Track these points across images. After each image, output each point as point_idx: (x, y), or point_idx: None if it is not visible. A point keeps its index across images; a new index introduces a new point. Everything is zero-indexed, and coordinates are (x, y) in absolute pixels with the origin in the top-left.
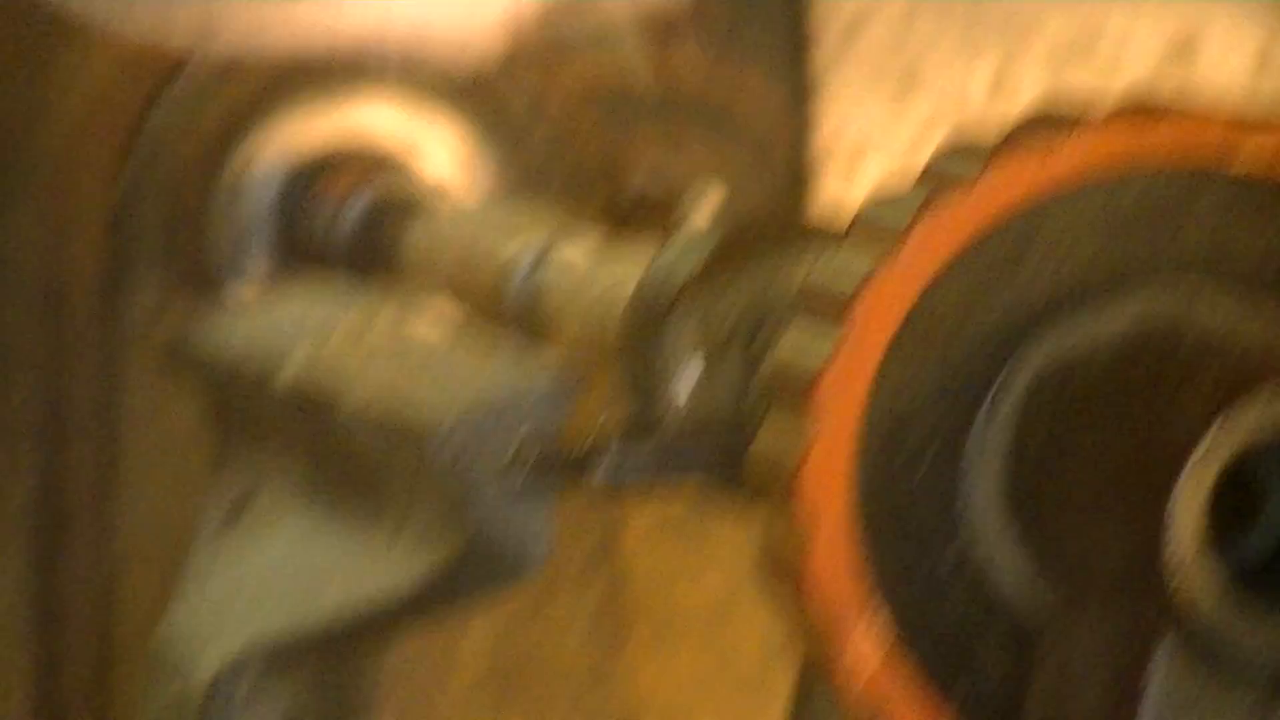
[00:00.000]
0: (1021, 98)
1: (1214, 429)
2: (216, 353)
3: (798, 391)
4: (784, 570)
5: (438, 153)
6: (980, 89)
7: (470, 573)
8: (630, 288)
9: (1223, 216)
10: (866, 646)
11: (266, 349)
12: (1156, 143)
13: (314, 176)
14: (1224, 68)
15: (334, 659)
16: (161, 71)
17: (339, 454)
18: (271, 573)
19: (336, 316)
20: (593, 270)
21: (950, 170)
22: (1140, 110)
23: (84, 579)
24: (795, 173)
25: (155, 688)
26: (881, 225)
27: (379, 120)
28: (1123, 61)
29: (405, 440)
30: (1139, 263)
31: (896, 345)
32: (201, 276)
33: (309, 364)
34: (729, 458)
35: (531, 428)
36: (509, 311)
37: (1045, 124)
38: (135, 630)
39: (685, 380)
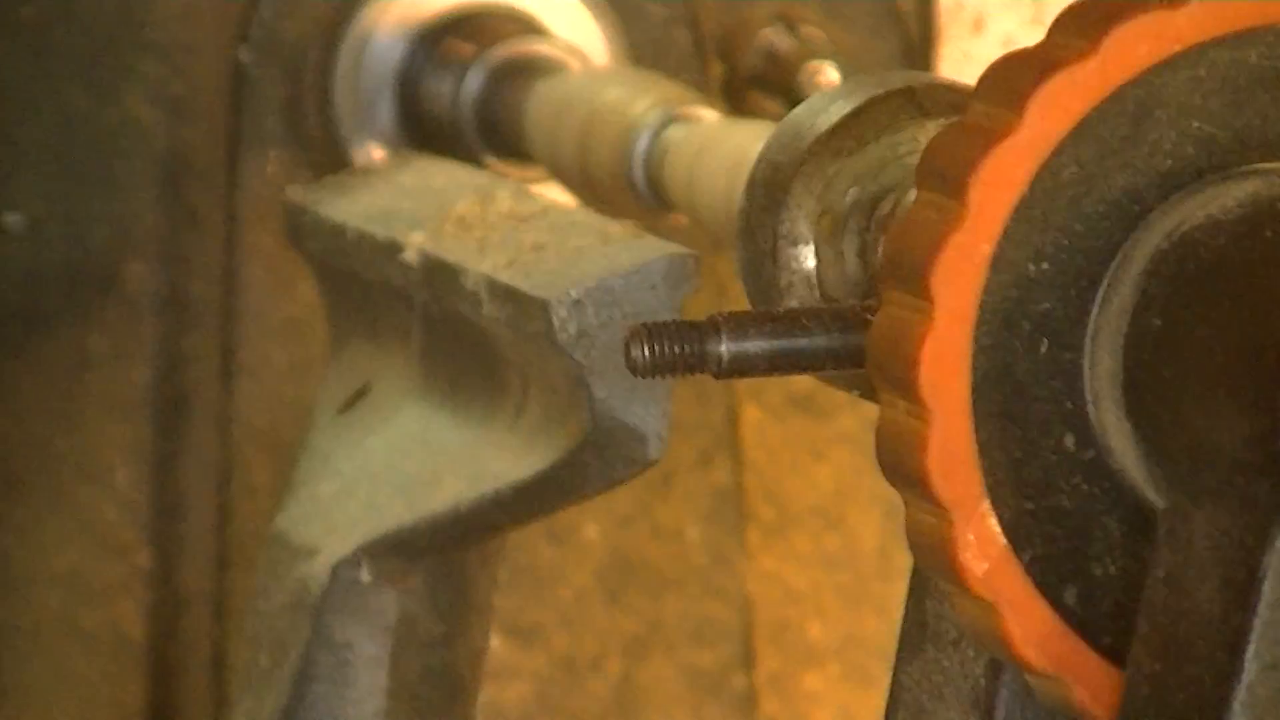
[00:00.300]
0: None
1: None
2: (339, 222)
3: (916, 270)
4: (900, 458)
5: (560, 20)
6: None
7: (589, 461)
8: (756, 150)
9: None
10: (982, 539)
11: (391, 218)
12: None
13: (438, 41)
14: None
15: (450, 552)
16: None
17: (458, 334)
18: (391, 460)
19: (460, 188)
20: (721, 131)
21: (1075, 31)
22: None
23: (202, 464)
24: (920, 36)
25: (275, 575)
26: (1005, 92)
27: None
28: None
29: (530, 311)
30: (1260, 135)
31: (1015, 223)
32: (324, 147)
33: (434, 234)
34: (848, 339)
35: (652, 307)
36: (633, 172)
37: None
38: (253, 516)
39: (804, 258)
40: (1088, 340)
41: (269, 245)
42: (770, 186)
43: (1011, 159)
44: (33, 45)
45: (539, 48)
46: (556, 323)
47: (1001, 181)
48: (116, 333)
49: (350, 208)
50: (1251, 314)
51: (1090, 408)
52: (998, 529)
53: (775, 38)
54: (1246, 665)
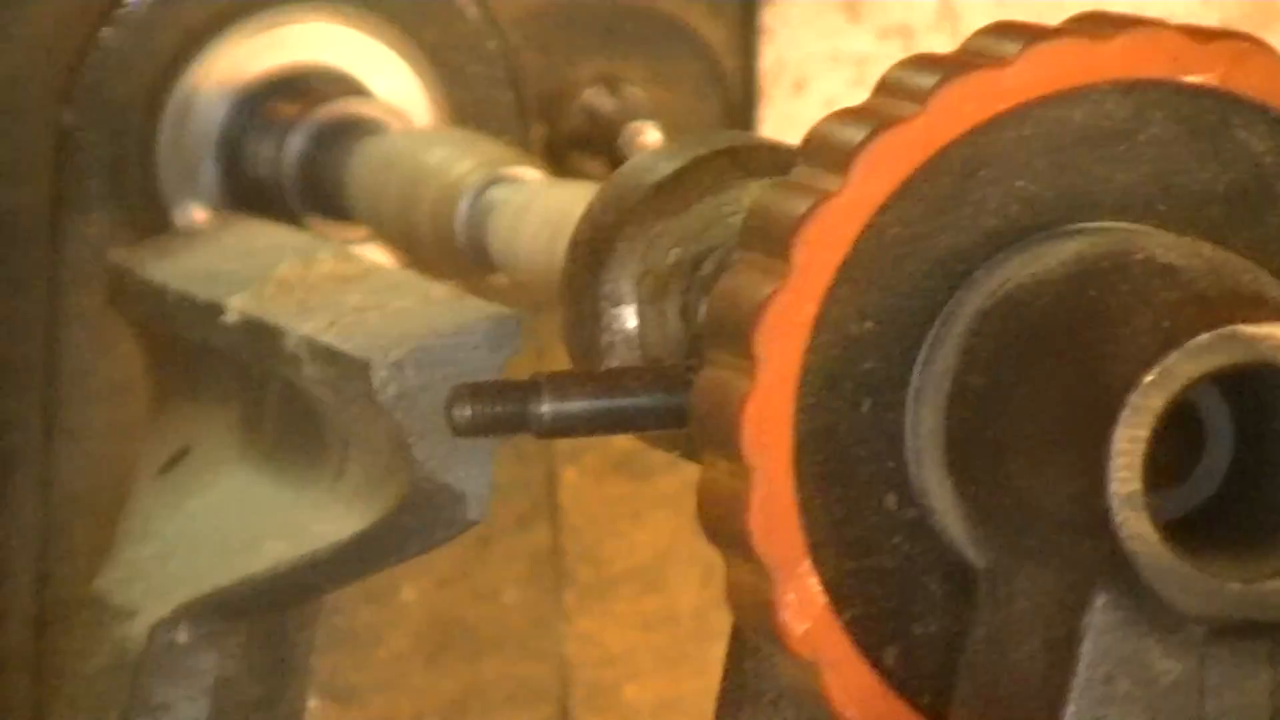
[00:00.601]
0: (966, 25)
1: (1155, 369)
2: (162, 283)
3: (740, 331)
4: (722, 517)
5: (382, 81)
6: (926, 16)
7: (410, 521)
8: (579, 211)
9: (1170, 140)
10: (804, 599)
11: (213, 280)
12: (1109, 55)
13: (261, 102)
14: None
15: (270, 613)
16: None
17: (280, 395)
18: (211, 522)
19: (283, 249)
20: (544, 191)
21: (900, 91)
22: (1093, 22)
23: (22, 525)
24: (742, 97)
25: (94, 637)
26: (829, 152)
27: (325, 45)
28: None
29: (351, 372)
30: (1085, 195)
31: (839, 283)
32: (147, 209)
33: (255, 295)
34: (670, 399)
35: (474, 368)
36: (456, 233)
37: (996, 41)
38: (73, 578)
39: (627, 318)
40: (911, 400)
41: (91, 307)
42: (593, 246)
43: (836, 219)
44: None
45: (362, 109)
46: (377, 384)
47: (826, 241)
48: None
49: (173, 269)
50: (1075, 373)
51: (912, 467)
52: (819, 588)
53: (597, 98)
54: None
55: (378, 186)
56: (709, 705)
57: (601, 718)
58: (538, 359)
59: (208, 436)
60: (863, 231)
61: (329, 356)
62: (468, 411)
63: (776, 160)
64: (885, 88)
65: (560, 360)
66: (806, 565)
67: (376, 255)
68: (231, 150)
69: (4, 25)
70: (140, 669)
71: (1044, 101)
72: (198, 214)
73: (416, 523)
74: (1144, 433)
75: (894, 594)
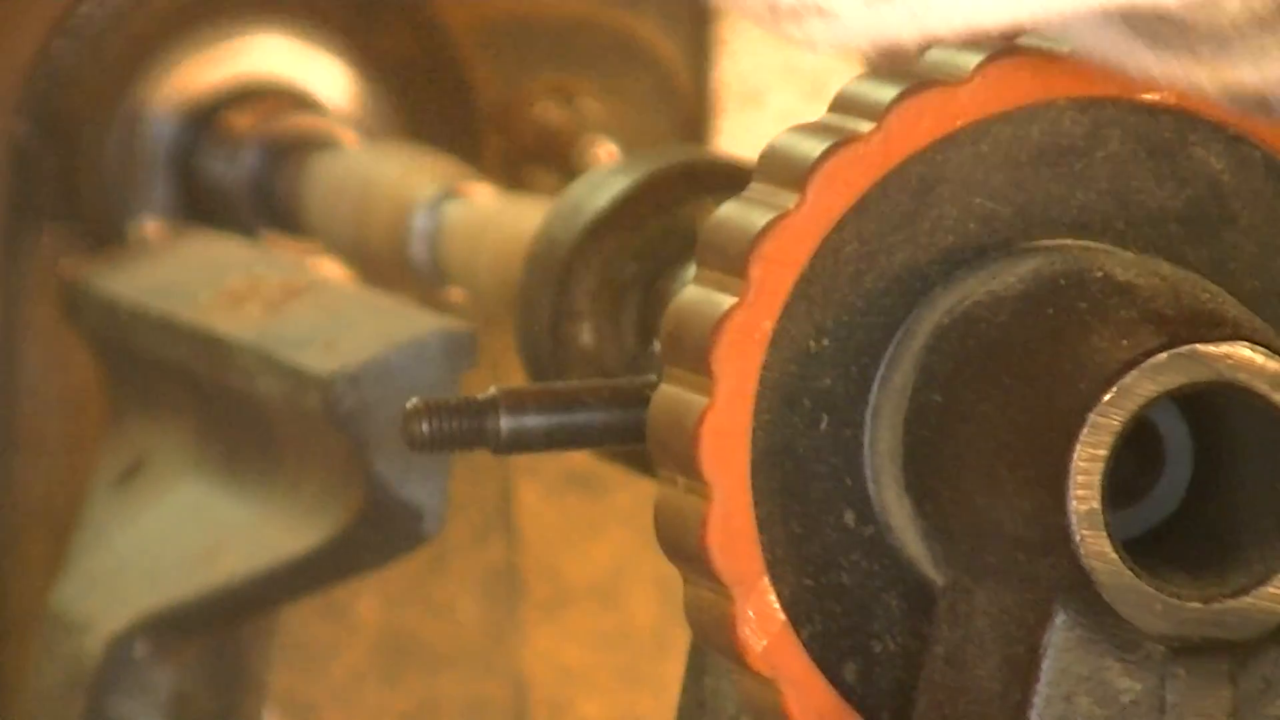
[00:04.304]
0: None
1: (1113, 388)
2: (115, 296)
3: (697, 347)
4: (680, 534)
5: (335, 94)
6: None
7: (366, 535)
8: (534, 227)
9: (1127, 158)
10: (762, 616)
11: (166, 293)
12: (1065, 72)
13: (213, 115)
14: None
15: (226, 627)
16: (59, 8)
17: (235, 409)
18: (167, 536)
19: (235, 262)
20: (498, 208)
21: (856, 107)
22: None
23: None
24: (696, 111)
25: (51, 649)
26: (786, 168)
27: (277, 59)
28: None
29: (307, 386)
30: (1042, 212)
31: (796, 299)
32: (102, 221)
33: (209, 308)
34: (627, 415)
35: (429, 383)
36: (411, 248)
37: (953, 57)
38: (29, 590)
39: (583, 333)
40: (868, 417)
41: (45, 319)
42: (549, 262)
43: (793, 236)
44: None
45: (315, 122)
46: (333, 398)
47: (783, 258)
48: None
49: (126, 282)
50: (1033, 390)
51: (871, 485)
52: (777, 605)
53: (551, 111)
54: None
55: (331, 201)
56: None
57: None
58: (492, 374)
59: (163, 449)
60: (819, 248)
61: (283, 370)
62: (424, 427)
63: (732, 176)
64: (842, 103)
65: (515, 375)
66: (765, 582)
67: (329, 268)
68: (184, 163)
69: None
70: (97, 684)
71: (1001, 118)
72: (150, 226)
73: (372, 537)
74: (1103, 451)
75: (853, 611)
